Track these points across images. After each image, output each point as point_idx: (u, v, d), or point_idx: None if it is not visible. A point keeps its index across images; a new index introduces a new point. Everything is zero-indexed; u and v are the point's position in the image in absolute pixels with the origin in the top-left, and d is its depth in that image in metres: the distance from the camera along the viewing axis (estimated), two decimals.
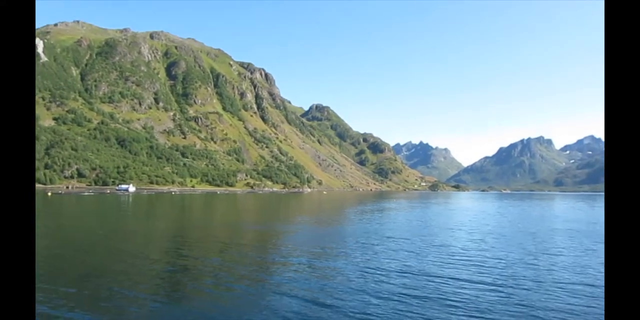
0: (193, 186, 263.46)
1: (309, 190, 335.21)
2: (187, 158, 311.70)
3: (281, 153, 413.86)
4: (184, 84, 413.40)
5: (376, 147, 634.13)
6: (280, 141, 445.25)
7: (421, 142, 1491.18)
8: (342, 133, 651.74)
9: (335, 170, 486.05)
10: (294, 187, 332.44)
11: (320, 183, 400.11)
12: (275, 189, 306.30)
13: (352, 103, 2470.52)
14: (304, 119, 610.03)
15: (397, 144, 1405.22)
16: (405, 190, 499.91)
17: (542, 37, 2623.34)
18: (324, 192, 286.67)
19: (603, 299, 14.93)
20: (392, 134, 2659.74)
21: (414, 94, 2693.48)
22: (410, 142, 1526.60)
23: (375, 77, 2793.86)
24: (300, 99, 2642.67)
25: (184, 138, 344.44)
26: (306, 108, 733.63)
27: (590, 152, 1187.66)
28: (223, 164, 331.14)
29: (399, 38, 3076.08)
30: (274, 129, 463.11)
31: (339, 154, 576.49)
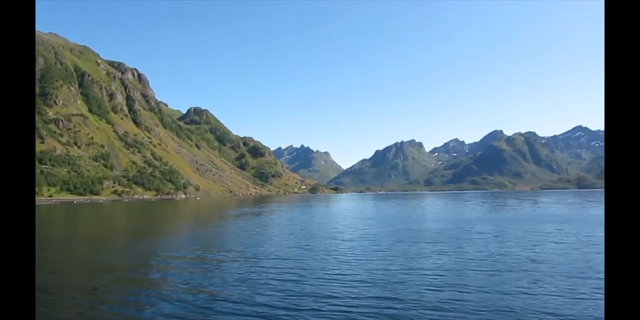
0: (50, 195, 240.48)
1: (183, 196, 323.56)
2: (45, 165, 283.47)
3: (155, 158, 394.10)
4: (43, 83, 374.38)
5: (256, 151, 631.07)
6: (155, 146, 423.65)
7: (302, 146, 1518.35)
8: (221, 137, 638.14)
9: (213, 175, 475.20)
10: (167, 193, 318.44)
11: (197, 188, 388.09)
12: (145, 197, 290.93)
13: (232, 106, 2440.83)
14: (181, 123, 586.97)
15: (279, 148, 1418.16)
16: (285, 193, 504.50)
17: (416, 44, 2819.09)
18: (197, 198, 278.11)
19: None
20: (274, 138, 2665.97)
21: (296, 98, 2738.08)
22: (291, 146, 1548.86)
23: (256, 81, 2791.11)
24: (178, 102, 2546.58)
25: (42, 142, 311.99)
26: (184, 111, 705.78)
27: (455, 154, 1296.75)
28: (88, 170, 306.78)
29: (280, 42, 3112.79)
30: (147, 133, 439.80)
31: (218, 159, 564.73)
